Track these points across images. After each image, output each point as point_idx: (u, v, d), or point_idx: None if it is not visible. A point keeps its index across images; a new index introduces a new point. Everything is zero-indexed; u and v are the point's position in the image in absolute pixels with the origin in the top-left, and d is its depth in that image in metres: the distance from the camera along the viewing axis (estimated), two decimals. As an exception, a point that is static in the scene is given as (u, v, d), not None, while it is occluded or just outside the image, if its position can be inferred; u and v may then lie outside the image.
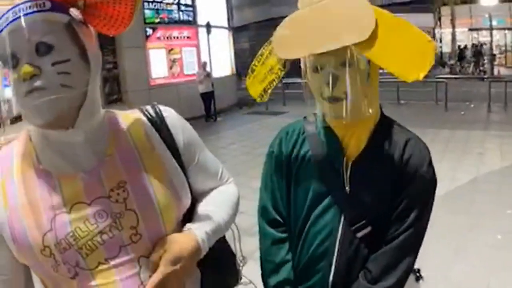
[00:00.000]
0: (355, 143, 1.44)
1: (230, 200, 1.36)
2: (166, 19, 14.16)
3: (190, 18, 15.14)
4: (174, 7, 14.49)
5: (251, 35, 32.07)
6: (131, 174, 1.13)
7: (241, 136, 10.97)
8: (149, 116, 1.25)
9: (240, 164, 7.77)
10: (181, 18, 14.81)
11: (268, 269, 1.58)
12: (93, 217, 1.07)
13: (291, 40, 1.36)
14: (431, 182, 1.41)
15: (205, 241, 1.17)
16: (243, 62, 25.31)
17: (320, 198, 1.45)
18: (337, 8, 1.28)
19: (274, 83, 1.49)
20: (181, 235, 1.16)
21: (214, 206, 1.29)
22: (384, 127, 1.46)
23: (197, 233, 1.16)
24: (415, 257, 1.42)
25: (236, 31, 21.98)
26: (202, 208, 1.28)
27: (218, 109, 14.47)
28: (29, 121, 1.06)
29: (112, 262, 1.07)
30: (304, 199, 1.48)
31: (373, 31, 1.22)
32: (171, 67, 14.23)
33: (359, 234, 1.40)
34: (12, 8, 1.01)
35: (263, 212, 1.62)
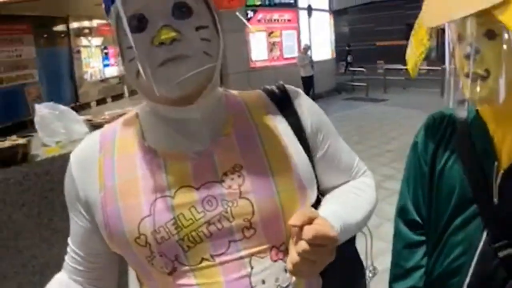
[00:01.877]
0: (511, 143, 1.18)
1: (365, 196, 1.15)
2: (267, 2, 14.22)
3: (291, 1, 15.12)
4: (277, -11, 14.52)
5: (350, 19, 31.46)
6: (249, 158, 0.98)
7: (339, 122, 10.57)
8: (273, 96, 1.11)
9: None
10: (282, 0, 14.78)
11: (396, 274, 1.42)
12: (200, 204, 0.93)
13: (435, 6, 1.16)
14: None
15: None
16: (342, 46, 25.14)
17: (464, 206, 1.25)
18: None
19: (422, 56, 1.29)
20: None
21: (346, 201, 1.09)
22: None
23: (333, 223, 0.93)
24: None
25: (336, 14, 21.60)
26: (332, 201, 1.09)
27: (316, 94, 14.31)
28: (155, 93, 0.89)
29: (218, 260, 0.93)
30: (447, 204, 1.29)
31: None
32: (271, 50, 14.33)
33: (501, 254, 1.19)
34: None
35: (401, 211, 1.44)
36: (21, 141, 2.35)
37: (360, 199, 1.12)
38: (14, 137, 2.43)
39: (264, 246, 0.96)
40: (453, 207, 1.27)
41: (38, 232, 2.45)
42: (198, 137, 0.97)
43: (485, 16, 1.03)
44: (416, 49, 1.29)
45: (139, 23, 0.88)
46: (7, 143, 2.31)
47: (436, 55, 16.85)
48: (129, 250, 0.95)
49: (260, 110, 1.07)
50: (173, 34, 0.85)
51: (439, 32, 1.24)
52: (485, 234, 1.20)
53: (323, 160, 1.11)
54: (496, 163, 1.19)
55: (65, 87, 14.31)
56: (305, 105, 1.11)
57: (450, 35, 1.20)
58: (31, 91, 11.50)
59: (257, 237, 0.94)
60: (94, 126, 2.63)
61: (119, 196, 0.94)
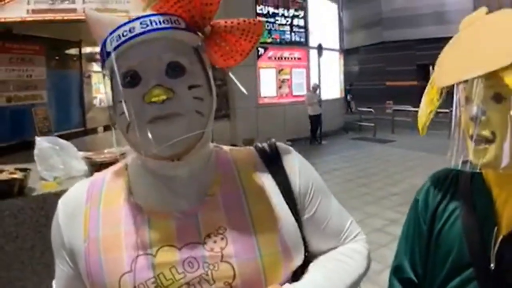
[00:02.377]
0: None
1: (353, 264, 1.10)
2: (278, 40, 14.42)
3: (302, 40, 15.31)
4: (287, 28, 14.74)
5: (360, 59, 31.85)
6: (233, 220, 0.97)
7: (345, 163, 10.63)
8: (263, 154, 1.10)
9: (341, 193, 7.47)
10: (293, 39, 15.01)
11: None
12: (181, 265, 0.92)
13: (447, 67, 1.15)
14: None
15: None
16: (351, 85, 25.15)
17: (460, 268, 1.20)
18: (500, 25, 1.04)
19: (431, 115, 1.28)
20: None
21: (331, 269, 1.06)
22: None
23: None
24: None
25: (346, 53, 21.80)
26: (315, 269, 1.06)
27: (324, 132, 14.37)
28: (142, 149, 0.91)
29: None
30: (442, 265, 1.24)
31: None
32: (280, 87, 14.44)
33: None
34: (138, 18, 0.90)
35: (396, 269, 1.39)
36: (19, 175, 2.35)
37: (346, 268, 1.08)
38: (12, 169, 2.42)
39: None
40: (449, 268, 1.22)
41: (30, 265, 2.47)
42: (184, 194, 0.98)
43: (493, 79, 1.01)
44: (426, 108, 1.29)
45: (132, 79, 0.90)
46: (4, 175, 2.31)
47: (444, 98, 16.84)
48: None
49: (249, 169, 1.06)
50: (163, 97, 0.86)
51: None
52: None
53: (310, 222, 1.08)
54: (496, 228, 1.14)
55: (73, 110, 14.38)
56: (294, 165, 1.09)
57: (458, 96, 1.17)
58: (38, 112, 11.48)
59: None
60: (93, 165, 2.63)
61: (102, 249, 0.95)
